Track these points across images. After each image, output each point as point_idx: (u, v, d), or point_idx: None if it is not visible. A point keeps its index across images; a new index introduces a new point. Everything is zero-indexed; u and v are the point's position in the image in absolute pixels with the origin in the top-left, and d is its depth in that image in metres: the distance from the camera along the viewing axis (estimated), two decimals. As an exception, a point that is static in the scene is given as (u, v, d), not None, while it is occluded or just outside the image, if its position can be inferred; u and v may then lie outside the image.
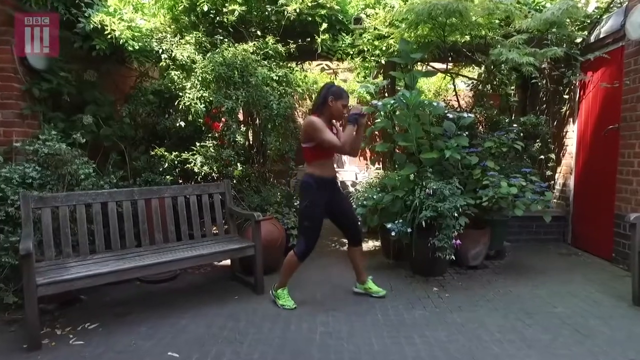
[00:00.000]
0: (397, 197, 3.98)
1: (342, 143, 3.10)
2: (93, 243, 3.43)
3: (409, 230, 3.81)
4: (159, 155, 4.33)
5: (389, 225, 3.87)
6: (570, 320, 3.03)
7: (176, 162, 4.42)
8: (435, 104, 3.93)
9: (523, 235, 5.29)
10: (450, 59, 4.86)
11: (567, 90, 5.13)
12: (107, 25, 3.89)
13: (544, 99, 5.90)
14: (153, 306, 3.45)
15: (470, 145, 4.06)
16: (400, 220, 3.89)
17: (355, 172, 7.79)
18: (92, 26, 3.87)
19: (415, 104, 3.77)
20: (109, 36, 3.94)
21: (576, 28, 4.56)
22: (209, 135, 4.63)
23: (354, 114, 3.12)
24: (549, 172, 5.42)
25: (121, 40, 4.01)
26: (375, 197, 4.05)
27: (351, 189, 7.35)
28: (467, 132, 4.26)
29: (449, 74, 5.06)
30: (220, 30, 4.65)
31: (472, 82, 5.27)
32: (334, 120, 3.28)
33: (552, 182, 5.44)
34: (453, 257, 3.65)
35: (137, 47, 4.11)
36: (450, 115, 3.97)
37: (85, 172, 3.83)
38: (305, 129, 3.14)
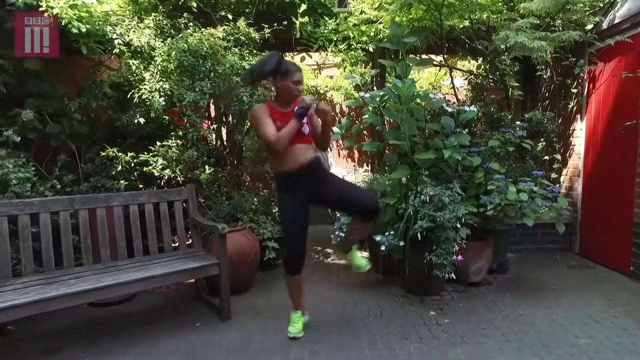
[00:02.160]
0: (387, 205, 3.43)
1: (274, 138, 2.51)
2: (22, 263, 2.83)
3: (402, 243, 3.27)
4: (112, 156, 3.72)
5: (378, 238, 3.32)
6: (600, 356, 2.50)
7: (132, 164, 3.81)
8: (432, 96, 3.39)
9: (526, 244, 4.77)
10: (446, 49, 4.32)
11: (575, 84, 4.63)
12: (42, 2, 3.28)
13: (547, 93, 5.40)
14: (95, 337, 2.86)
15: (470, 144, 3.52)
16: (392, 232, 3.34)
17: (342, 175, 7.22)
18: (24, 1, 3.26)
19: (409, 97, 3.22)
20: (46, 14, 3.33)
21: (586, 13, 4.05)
22: (173, 133, 4.03)
23: (300, 108, 2.58)
24: (553, 174, 4.92)
25: (63, 21, 3.39)
26: (362, 204, 3.49)
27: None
28: (466, 130, 3.73)
29: (446, 66, 4.52)
30: (186, 14, 4.06)
31: (470, 75, 4.74)
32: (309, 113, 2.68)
33: (557, 185, 4.93)
34: (453, 275, 3.10)
35: (83, 30, 3.50)
36: (449, 110, 3.43)
37: (20, 176, 3.22)
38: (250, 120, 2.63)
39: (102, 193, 3.47)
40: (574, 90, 4.66)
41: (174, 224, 3.45)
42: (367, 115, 3.72)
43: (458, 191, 3.19)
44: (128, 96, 3.88)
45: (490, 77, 4.34)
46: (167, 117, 4.38)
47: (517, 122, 4.04)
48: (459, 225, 3.06)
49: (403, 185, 3.52)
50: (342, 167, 7.47)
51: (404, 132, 3.39)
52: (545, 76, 5.17)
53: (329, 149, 7.29)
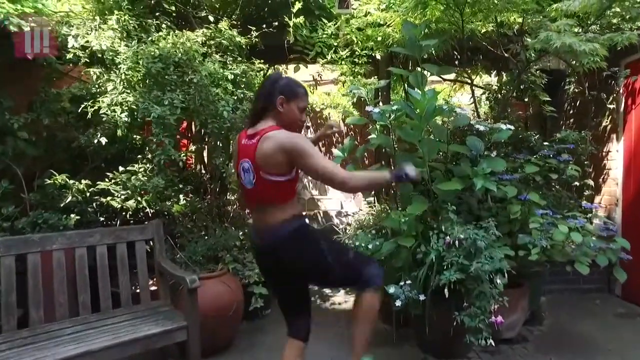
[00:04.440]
0: (401, 247, 2.74)
1: (348, 175, 1.84)
2: None
3: (421, 297, 2.57)
4: (60, 184, 3.01)
5: (391, 290, 2.62)
6: None
7: (88, 193, 3.11)
8: (459, 110, 2.74)
9: (556, 284, 4.08)
10: (466, 58, 3.70)
11: (611, 99, 4.03)
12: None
13: (571, 111, 4.80)
14: None
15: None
16: (408, 282, 2.65)
17: (341, 200, 6.53)
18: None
19: (429, 112, 2.56)
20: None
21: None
22: (140, 156, 3.34)
23: (408, 176, 1.92)
24: (584, 202, 4.26)
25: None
26: (370, 245, 2.80)
27: (336, 221, 6.11)
28: (494, 152, 3.07)
29: (465, 77, 3.89)
30: (159, 15, 3.44)
31: (490, 88, 4.12)
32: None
33: (590, 215, 4.28)
34: (492, 341, 2.40)
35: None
36: (481, 128, 2.77)
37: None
38: (279, 151, 1.81)
39: (44, 232, 2.76)
40: (611, 106, 4.05)
41: (140, 267, 2.75)
42: (374, 135, 3.05)
43: (495, 232, 2.51)
44: (82, 111, 3.20)
45: (511, 90, 3.70)
46: (137, 137, 3.71)
47: (555, 145, 3.39)
48: (496, 278, 2.38)
49: (421, 221, 2.85)
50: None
51: (422, 156, 2.72)
52: (570, 90, 4.59)
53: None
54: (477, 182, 2.52)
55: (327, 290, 4.39)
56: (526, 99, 4.40)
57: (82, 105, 3.03)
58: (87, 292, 2.55)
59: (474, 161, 2.92)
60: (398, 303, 2.58)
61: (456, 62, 4.17)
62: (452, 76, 4.67)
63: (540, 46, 2.65)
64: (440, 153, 3.00)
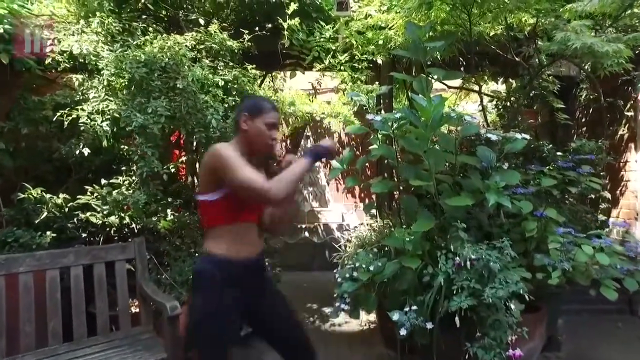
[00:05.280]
0: (406, 268, 2.49)
1: (267, 185, 1.57)
2: None
3: (429, 325, 2.31)
4: (35, 199, 2.78)
5: (395, 317, 2.36)
6: None
7: (66, 209, 2.88)
8: (468, 118, 2.50)
9: (573, 304, 3.77)
10: (474, 63, 3.47)
11: (629, 106, 3.79)
12: None
13: (583, 119, 4.57)
14: None
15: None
16: (414, 308, 2.39)
17: (342, 213, 6.29)
18: None
19: (436, 120, 2.33)
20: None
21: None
22: (124, 168, 3.11)
23: (322, 147, 1.71)
24: (601, 216, 4.00)
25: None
26: (372, 267, 2.55)
27: (337, 234, 5.85)
28: (506, 164, 2.82)
29: (473, 83, 3.66)
30: (147, 18, 3.23)
31: (498, 95, 3.89)
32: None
33: (607, 229, 4.01)
34: (508, 377, 2.14)
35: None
36: (493, 137, 2.53)
37: None
38: (206, 165, 1.68)
39: (15, 251, 2.53)
40: (628, 114, 3.81)
41: (119, 291, 2.51)
42: (376, 146, 2.82)
43: (511, 253, 2.25)
44: (64, 119, 2.99)
45: (522, 96, 3.46)
46: (126, 147, 3.49)
47: (570, 155, 3.15)
48: (512, 305, 2.12)
49: (427, 239, 2.59)
50: (342, 203, 6.54)
51: (428, 168, 2.48)
52: (582, 97, 4.36)
53: (325, 183, 6.38)
54: (490, 197, 2.27)
55: (327, 310, 4.13)
56: (535, 107, 4.18)
57: (58, 114, 2.79)
58: (57, 319, 2.30)
59: (484, 173, 2.69)
60: (403, 332, 2.32)
61: (461, 68, 3.96)
62: (456, 83, 4.46)
63: (557, 48, 2.42)
64: (447, 164, 2.75)
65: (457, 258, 2.31)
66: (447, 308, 2.25)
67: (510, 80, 4.60)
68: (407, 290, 2.52)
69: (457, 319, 2.14)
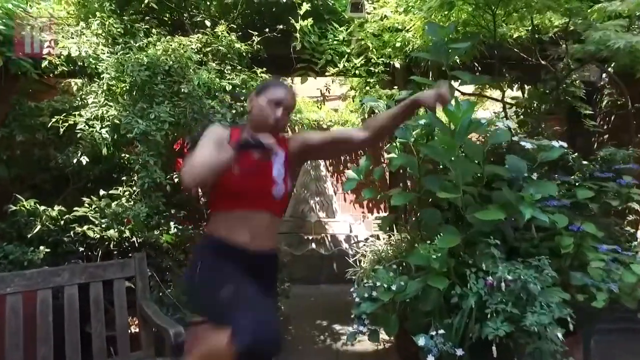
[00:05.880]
0: (430, 287, 2.28)
1: (188, 164, 1.43)
2: None
3: (459, 352, 2.09)
4: (28, 211, 2.59)
5: (421, 342, 2.14)
6: None
7: (61, 222, 2.68)
8: (500, 124, 2.31)
9: (603, 323, 3.52)
10: (491, 66, 3.28)
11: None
12: None
13: (605, 126, 4.38)
14: None
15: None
16: (441, 332, 2.17)
17: (350, 223, 6.07)
18: None
19: (464, 127, 2.13)
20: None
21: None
22: (125, 178, 2.92)
23: (258, 141, 1.42)
24: (629, 229, 3.78)
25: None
26: (393, 286, 2.33)
27: (344, 245, 5.63)
28: (535, 174, 2.62)
29: (488, 89, 3.48)
30: (150, 19, 3.07)
31: (520, 102, 3.69)
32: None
33: (635, 242, 3.79)
34: (551, 413, 1.91)
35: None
36: (528, 145, 2.33)
37: None
38: None
39: (3, 269, 2.32)
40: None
41: (116, 312, 2.30)
42: (395, 155, 2.61)
43: (551, 273, 2.04)
44: (61, 126, 2.81)
45: (550, 102, 3.27)
46: (127, 155, 3.30)
47: (597, 164, 2.95)
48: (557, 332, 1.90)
49: (452, 256, 2.38)
50: (350, 213, 6.32)
51: (455, 179, 2.28)
52: (603, 103, 4.18)
53: (333, 193, 6.18)
54: (525, 211, 2.06)
55: (337, 327, 3.90)
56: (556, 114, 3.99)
57: (53, 120, 2.61)
58: (49, 345, 2.09)
59: (511, 184, 2.48)
60: (431, 358, 2.10)
61: (476, 74, 3.78)
62: (468, 89, 4.29)
63: (595, 49, 2.23)
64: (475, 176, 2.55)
65: (489, 278, 2.10)
66: (480, 334, 2.03)
67: (526, 86, 4.43)
68: (431, 311, 2.31)
69: (494, 349, 1.91)
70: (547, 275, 2.02)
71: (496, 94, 4.72)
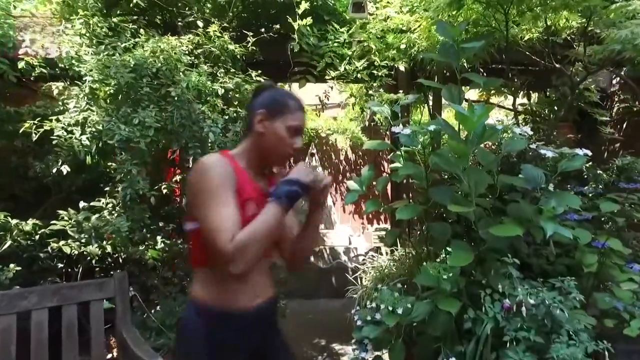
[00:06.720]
0: (440, 310, 2.06)
1: (233, 244, 1.11)
2: None
3: (475, 384, 1.87)
4: (-1, 225, 2.37)
5: (432, 373, 1.92)
6: None
7: (36, 236, 2.46)
8: (517, 131, 2.11)
9: (621, 344, 3.34)
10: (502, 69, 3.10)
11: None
12: None
13: (616, 134, 4.19)
14: None
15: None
16: (452, 359, 1.95)
17: (349, 235, 5.85)
18: None
19: (478, 134, 1.94)
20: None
21: None
22: (107, 189, 2.70)
23: (299, 183, 1.24)
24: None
25: None
26: (399, 309, 2.11)
27: (344, 258, 5.42)
28: (552, 185, 2.41)
29: (494, 95, 3.30)
30: (138, 19, 2.88)
31: (531, 109, 3.51)
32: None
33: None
34: None
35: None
36: (549, 154, 2.12)
37: None
38: (190, 184, 1.25)
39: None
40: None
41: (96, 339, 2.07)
42: (400, 164, 2.41)
43: (578, 297, 1.82)
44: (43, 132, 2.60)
45: (565, 107, 3.08)
46: (113, 164, 3.09)
47: (613, 174, 2.76)
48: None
49: (463, 275, 2.17)
50: (348, 224, 6.12)
51: (467, 191, 2.07)
52: (614, 110, 4.01)
53: (331, 203, 5.97)
54: (547, 227, 1.85)
55: (337, 347, 3.68)
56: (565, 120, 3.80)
57: (26, 125, 2.40)
58: (14, 377, 1.86)
59: (524, 196, 2.29)
60: (443, 393, 1.87)
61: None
62: (472, 96, 4.11)
63: (622, 47, 2.04)
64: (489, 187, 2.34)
65: (506, 300, 1.89)
66: (498, 365, 1.81)
67: (532, 92, 4.26)
68: (441, 337, 2.09)
69: (514, 381, 1.69)
70: (573, 299, 1.80)
71: (499, 101, 4.56)
